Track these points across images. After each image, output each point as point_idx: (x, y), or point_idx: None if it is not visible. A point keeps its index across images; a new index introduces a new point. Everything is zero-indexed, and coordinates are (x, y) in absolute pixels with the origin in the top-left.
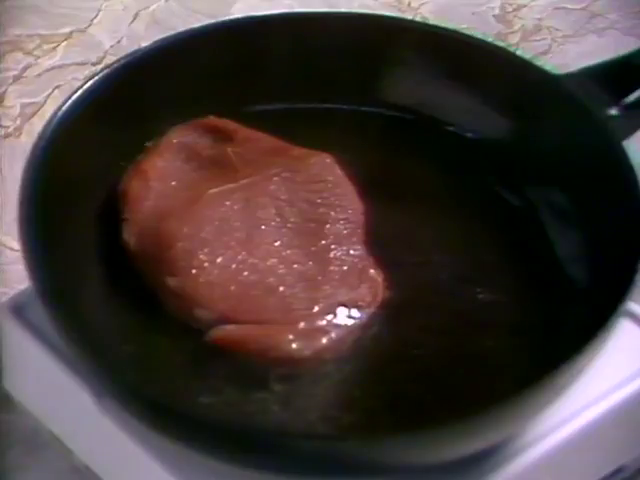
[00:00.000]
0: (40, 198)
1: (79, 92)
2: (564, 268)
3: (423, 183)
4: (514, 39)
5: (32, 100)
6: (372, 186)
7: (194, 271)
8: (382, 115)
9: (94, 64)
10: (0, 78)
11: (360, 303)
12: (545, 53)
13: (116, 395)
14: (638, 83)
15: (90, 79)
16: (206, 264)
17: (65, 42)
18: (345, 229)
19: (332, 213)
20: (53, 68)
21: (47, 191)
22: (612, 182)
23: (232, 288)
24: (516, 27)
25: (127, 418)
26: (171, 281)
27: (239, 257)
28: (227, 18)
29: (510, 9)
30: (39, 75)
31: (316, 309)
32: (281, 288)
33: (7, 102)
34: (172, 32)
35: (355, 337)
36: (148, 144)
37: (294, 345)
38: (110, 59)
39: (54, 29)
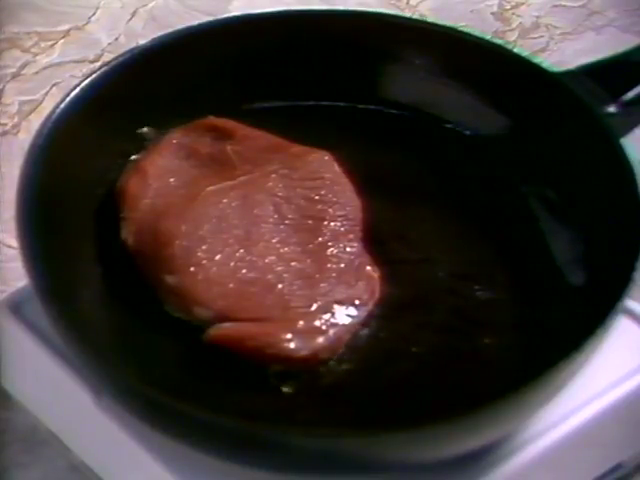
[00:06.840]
0: (38, 196)
1: (77, 90)
2: (562, 265)
3: (421, 180)
4: (512, 37)
5: (30, 97)
6: (370, 183)
7: (192, 269)
8: (380, 112)
9: (92, 62)
10: None
11: (357, 301)
12: (543, 51)
13: (114, 393)
14: (636, 80)
15: (88, 77)
16: (204, 262)
17: (63, 39)
18: (342, 226)
19: (330, 210)
20: (51, 65)
21: (45, 189)
22: (610, 179)
23: (230, 286)
24: (514, 25)
25: (125, 416)
26: (170, 279)
27: (237, 254)
28: (225, 16)
29: (508, 7)
30: (37, 73)
31: (314, 307)
32: (279, 286)
33: (5, 99)
34: (170, 30)
35: (352, 335)
36: (146, 142)
37: (292, 344)
38: (108, 57)
39: (52, 26)
